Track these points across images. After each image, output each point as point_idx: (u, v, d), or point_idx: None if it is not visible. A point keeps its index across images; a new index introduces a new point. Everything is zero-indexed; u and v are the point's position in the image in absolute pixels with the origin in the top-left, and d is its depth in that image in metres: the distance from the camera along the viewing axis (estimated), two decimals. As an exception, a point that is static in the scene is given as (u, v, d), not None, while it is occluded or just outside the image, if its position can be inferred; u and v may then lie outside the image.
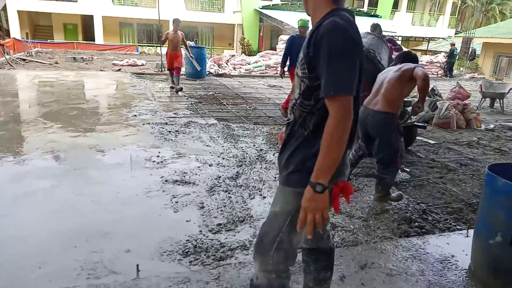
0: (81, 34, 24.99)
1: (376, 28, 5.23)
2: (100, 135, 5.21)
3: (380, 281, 2.35)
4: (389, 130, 3.38)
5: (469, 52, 21.32)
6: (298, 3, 24.10)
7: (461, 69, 20.93)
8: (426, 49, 24.15)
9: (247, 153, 4.73)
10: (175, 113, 6.88)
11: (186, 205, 3.26)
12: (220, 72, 13.39)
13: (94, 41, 23.17)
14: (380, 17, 26.25)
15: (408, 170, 4.49)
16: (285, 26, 20.43)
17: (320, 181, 1.30)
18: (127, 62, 15.13)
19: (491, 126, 7.39)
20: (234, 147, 4.96)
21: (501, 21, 30.15)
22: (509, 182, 2.15)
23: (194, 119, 6.45)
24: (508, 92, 9.53)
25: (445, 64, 18.15)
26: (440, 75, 18.10)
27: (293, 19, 17.78)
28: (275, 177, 3.92)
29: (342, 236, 2.90)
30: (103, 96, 8.42)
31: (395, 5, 28.28)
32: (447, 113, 7.00)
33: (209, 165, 4.22)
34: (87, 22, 23.94)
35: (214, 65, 13.83)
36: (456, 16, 33.20)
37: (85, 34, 24.93)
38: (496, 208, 2.24)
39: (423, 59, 19.04)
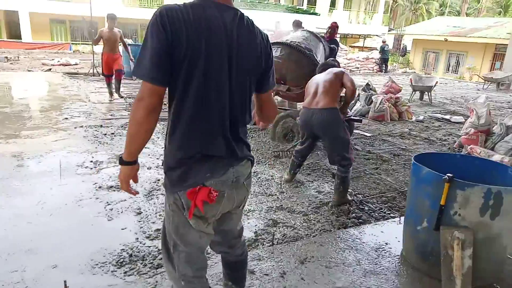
0: (5, 31, 22.85)
1: (298, 24, 5.41)
2: (25, 141, 4.77)
3: (319, 274, 2.38)
4: (337, 124, 3.42)
5: (401, 48, 22.83)
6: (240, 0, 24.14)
7: (394, 64, 22.31)
8: (362, 45, 25.38)
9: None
10: (111, 115, 6.52)
11: (122, 212, 3.09)
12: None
13: (21, 39, 21.32)
14: (319, 15, 27.14)
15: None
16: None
17: (121, 154, 1.41)
18: (59, 61, 14.12)
19: (421, 117, 7.93)
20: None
21: (427, 19, 32.60)
22: (432, 171, 2.27)
23: (133, 120, 6.14)
24: (435, 85, 10.30)
25: (379, 60, 19.23)
26: (375, 71, 19.12)
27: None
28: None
29: (283, 232, 2.91)
30: (30, 98, 7.75)
31: (333, 4, 29.37)
32: (381, 107, 7.37)
33: (148, 168, 4.04)
34: (12, 18, 21.93)
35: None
36: (389, 15, 35.28)
37: (10, 31, 22.81)
38: (422, 196, 2.37)
39: (360, 55, 19.99)
